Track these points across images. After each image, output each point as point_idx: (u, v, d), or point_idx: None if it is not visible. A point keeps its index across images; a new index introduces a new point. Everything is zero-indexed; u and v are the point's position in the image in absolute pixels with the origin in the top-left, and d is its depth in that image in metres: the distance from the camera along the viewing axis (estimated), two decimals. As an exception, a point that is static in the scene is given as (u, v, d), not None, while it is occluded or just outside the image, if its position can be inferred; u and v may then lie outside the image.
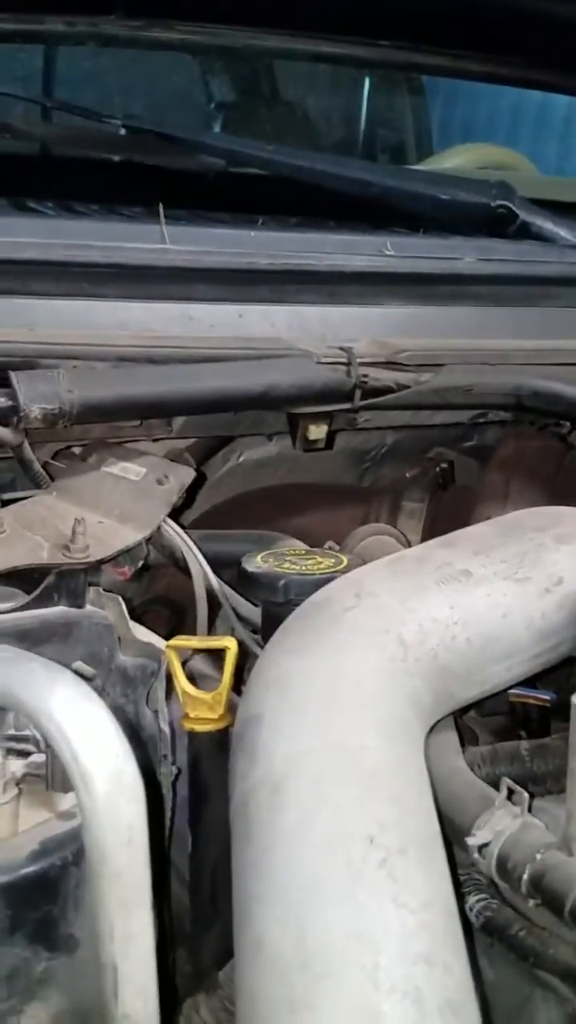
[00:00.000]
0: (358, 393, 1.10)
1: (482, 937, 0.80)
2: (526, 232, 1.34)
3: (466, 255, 1.24)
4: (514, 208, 1.33)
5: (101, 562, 0.93)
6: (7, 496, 1.02)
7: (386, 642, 0.77)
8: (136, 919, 0.64)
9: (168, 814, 0.91)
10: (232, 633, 1.09)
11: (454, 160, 2.43)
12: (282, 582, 0.94)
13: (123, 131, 1.51)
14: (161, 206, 1.11)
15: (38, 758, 0.79)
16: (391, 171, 1.35)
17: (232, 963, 0.89)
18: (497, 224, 1.32)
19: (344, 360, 1.11)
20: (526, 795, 0.80)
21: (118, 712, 0.90)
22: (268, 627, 0.97)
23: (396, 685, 0.76)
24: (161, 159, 1.39)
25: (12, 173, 1.24)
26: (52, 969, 0.73)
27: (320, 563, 0.97)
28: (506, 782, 0.81)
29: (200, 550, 1.11)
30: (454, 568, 0.84)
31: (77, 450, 1.12)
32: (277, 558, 0.99)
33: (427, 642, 0.79)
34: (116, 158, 1.39)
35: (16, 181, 1.25)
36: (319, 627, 0.78)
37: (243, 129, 2.24)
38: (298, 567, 0.96)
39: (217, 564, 1.13)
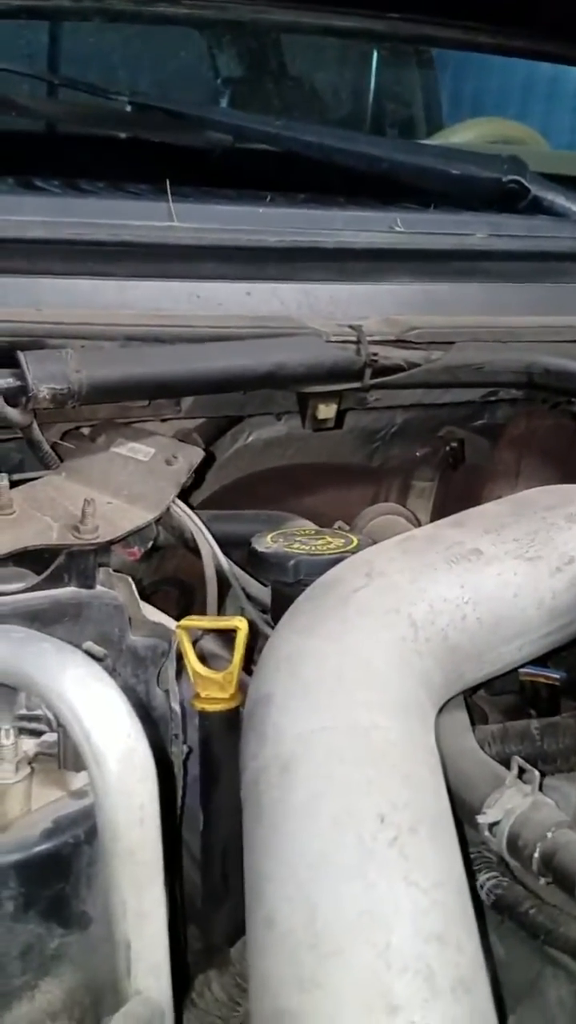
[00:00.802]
0: (368, 372, 1.09)
1: (492, 915, 0.80)
2: (538, 207, 1.32)
3: (477, 231, 1.23)
4: (525, 183, 1.31)
5: (111, 543, 0.93)
6: (16, 477, 1.01)
7: (396, 622, 0.77)
8: (149, 897, 0.64)
9: (179, 793, 0.92)
10: (242, 613, 1.09)
11: (464, 135, 2.40)
12: (292, 562, 0.94)
13: (129, 107, 1.50)
14: (168, 183, 1.10)
15: (50, 737, 0.80)
16: (401, 146, 1.33)
17: (243, 940, 0.90)
18: (508, 199, 1.31)
19: (354, 338, 1.10)
20: (537, 774, 0.80)
21: (129, 692, 0.91)
22: (278, 607, 0.97)
23: (406, 665, 0.75)
24: (167, 135, 1.37)
25: (17, 151, 1.23)
26: (65, 946, 0.73)
27: (330, 543, 0.97)
28: (517, 761, 0.81)
29: (209, 530, 1.11)
30: (465, 547, 0.84)
31: (85, 430, 1.11)
32: (287, 538, 0.99)
33: (437, 622, 0.79)
34: (122, 135, 1.37)
35: (21, 159, 1.24)
36: (329, 607, 0.78)
37: (250, 104, 2.21)
38: (308, 547, 0.96)
39: (226, 544, 1.13)
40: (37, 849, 0.72)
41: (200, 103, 1.92)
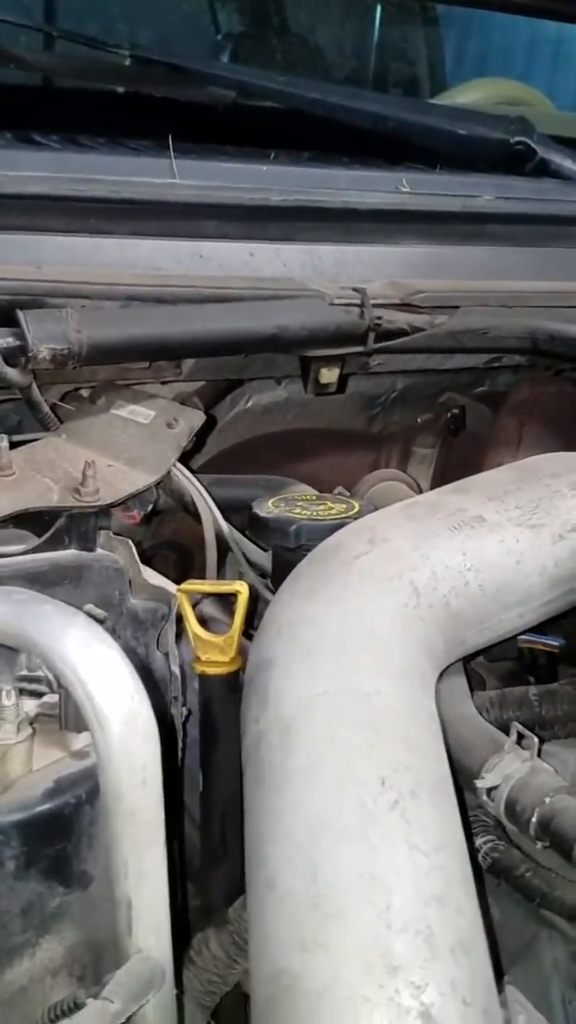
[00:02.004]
0: (371, 336, 1.08)
1: (489, 878, 0.81)
2: (544, 169, 1.30)
3: (484, 193, 1.21)
4: (533, 144, 1.29)
5: (111, 506, 0.93)
6: (16, 438, 1.01)
7: (399, 588, 0.77)
8: (150, 857, 0.64)
9: (180, 754, 0.92)
10: (241, 577, 1.09)
11: (468, 95, 2.36)
12: (293, 527, 0.93)
13: (129, 61, 1.47)
14: (171, 138, 1.08)
15: (51, 698, 0.80)
16: (407, 104, 1.31)
17: (242, 899, 0.91)
18: (515, 161, 1.29)
19: (357, 301, 1.09)
20: (536, 739, 0.80)
21: (129, 655, 0.91)
22: (279, 572, 0.97)
23: (408, 631, 0.75)
24: (168, 90, 1.34)
25: (15, 104, 1.20)
26: (66, 904, 0.74)
27: (331, 509, 0.97)
28: (516, 727, 0.81)
29: (209, 495, 1.10)
30: (468, 514, 0.83)
31: (85, 392, 1.10)
32: (288, 503, 0.98)
33: (440, 588, 0.79)
34: (122, 89, 1.34)
35: (19, 113, 1.21)
36: (331, 572, 0.78)
37: (251, 61, 2.17)
38: (309, 512, 0.95)
39: (226, 509, 1.13)
40: (39, 809, 0.72)
41: (201, 58, 1.88)
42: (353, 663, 0.71)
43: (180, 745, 0.92)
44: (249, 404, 1.41)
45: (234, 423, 1.40)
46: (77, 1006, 0.63)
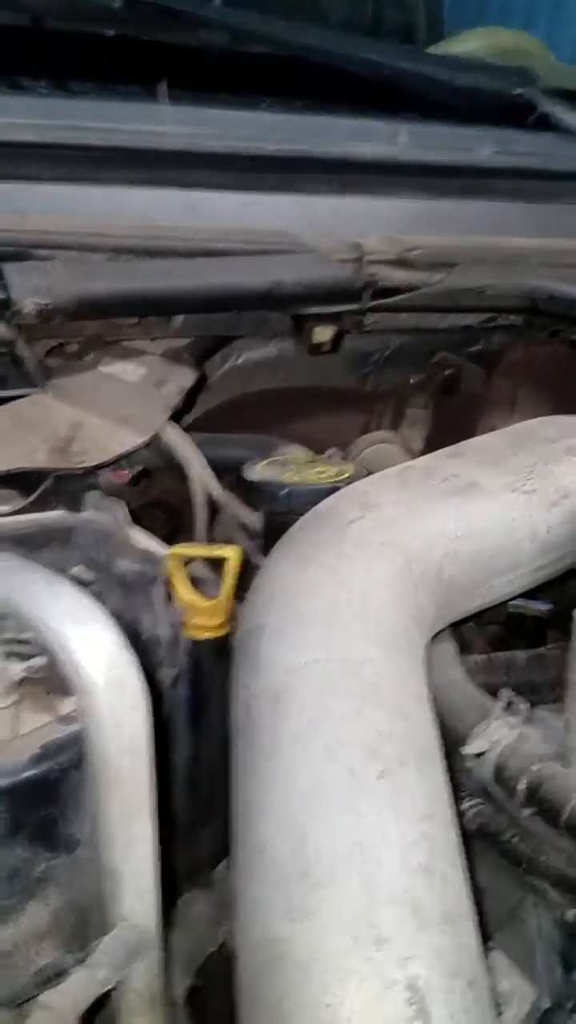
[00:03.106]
0: (367, 293, 1.06)
1: (475, 842, 0.81)
2: (545, 123, 1.27)
3: (483, 146, 1.18)
4: (534, 97, 1.25)
5: (100, 467, 0.91)
6: (1, 394, 0.98)
7: (392, 555, 0.76)
8: (138, 824, 0.64)
9: (167, 716, 0.91)
10: (231, 539, 1.08)
11: (466, 44, 2.29)
12: (284, 491, 0.92)
13: (119, 3, 1.41)
14: (164, 83, 1.04)
15: (38, 661, 0.79)
16: (406, 53, 1.27)
17: (227, 861, 0.91)
18: (516, 113, 1.25)
19: (353, 257, 1.06)
20: (524, 706, 0.80)
21: (118, 617, 0.90)
22: (269, 536, 0.96)
23: (400, 598, 0.75)
24: (160, 34, 1.30)
25: (1, 46, 1.16)
26: (52, 869, 0.73)
27: (323, 472, 0.95)
28: (505, 693, 0.81)
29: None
30: (462, 480, 0.82)
31: (73, 347, 1.08)
32: (280, 466, 0.97)
33: (432, 555, 0.78)
34: (112, 32, 1.29)
35: (5, 55, 1.17)
36: (324, 538, 0.77)
37: (246, 4, 2.10)
38: (301, 476, 0.94)
39: (216, 468, 1.11)
40: (25, 775, 0.71)
41: (195, 1, 1.81)
42: (344, 631, 0.70)
43: (167, 706, 0.92)
44: (240, 361, 1.38)
45: (225, 379, 1.38)
46: (63, 972, 0.62)
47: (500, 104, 1.25)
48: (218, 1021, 0.94)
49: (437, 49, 2.17)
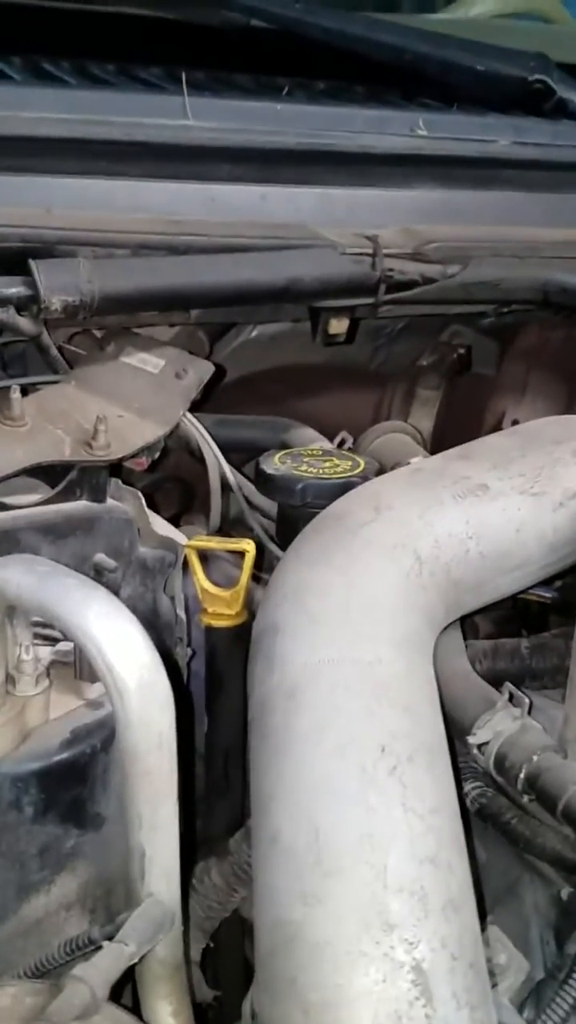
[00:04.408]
0: (382, 287, 1.08)
1: (476, 821, 0.86)
2: (563, 109, 1.27)
3: (501, 136, 1.18)
4: (551, 83, 1.26)
5: (122, 460, 0.94)
6: (25, 382, 1.01)
7: (402, 556, 0.79)
8: (163, 811, 0.69)
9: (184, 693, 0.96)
10: (243, 520, 1.11)
11: (483, 6, 2.26)
12: (299, 486, 0.95)
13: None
14: (184, 76, 1.05)
15: (64, 646, 0.83)
16: (425, 36, 1.25)
17: (242, 830, 0.97)
18: (533, 100, 1.25)
19: (369, 251, 1.08)
20: (527, 699, 0.84)
21: (137, 600, 0.95)
22: (284, 529, 0.99)
23: (410, 599, 0.78)
24: (180, 12, 1.29)
25: (21, 27, 1.16)
26: (80, 845, 0.79)
27: (337, 466, 0.98)
28: (508, 686, 0.85)
29: (213, 436, 1.12)
30: (472, 482, 0.85)
31: (96, 334, 1.10)
32: (295, 459, 1.00)
33: (442, 556, 0.81)
34: (130, 11, 1.29)
35: (26, 37, 1.17)
36: (337, 539, 0.80)
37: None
38: (316, 470, 0.97)
39: (229, 449, 1.14)
40: (56, 758, 0.76)
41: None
42: (356, 631, 0.74)
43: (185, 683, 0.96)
44: (254, 335, 1.40)
45: (238, 354, 1.40)
46: (93, 943, 0.68)
47: (517, 90, 1.25)
48: (229, 980, 1.01)
49: (453, 9, 2.14)
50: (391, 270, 1.07)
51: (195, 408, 1.10)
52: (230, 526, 1.15)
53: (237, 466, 1.16)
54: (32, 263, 0.92)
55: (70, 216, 0.97)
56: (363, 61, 1.25)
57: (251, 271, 1.01)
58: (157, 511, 1.01)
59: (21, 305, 0.93)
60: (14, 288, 0.92)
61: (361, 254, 1.07)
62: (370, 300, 1.09)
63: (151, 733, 0.65)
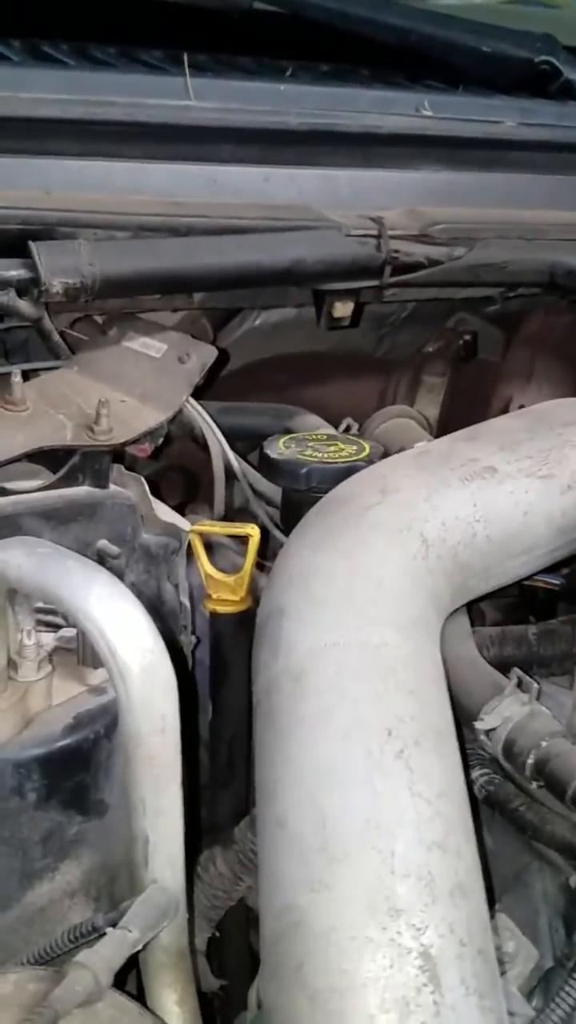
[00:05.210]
0: (388, 269, 1.06)
1: (484, 808, 0.85)
2: (569, 91, 1.26)
3: (507, 117, 1.17)
4: (558, 64, 1.24)
5: (125, 445, 0.93)
6: (27, 367, 1.00)
7: (408, 540, 0.78)
8: (167, 796, 0.68)
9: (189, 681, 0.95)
10: (247, 508, 1.10)
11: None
12: (304, 470, 0.94)
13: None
14: (185, 57, 1.03)
15: (68, 632, 0.83)
16: (430, 16, 1.24)
17: (247, 819, 0.96)
18: (540, 81, 1.24)
19: (374, 232, 1.06)
20: (535, 685, 0.83)
21: (141, 587, 0.94)
22: (288, 514, 0.98)
23: (416, 582, 0.77)
24: (182, -7, 1.28)
25: (21, 9, 1.15)
26: (84, 832, 0.78)
27: (342, 450, 0.97)
28: (516, 672, 0.84)
29: (217, 423, 1.11)
30: (479, 465, 0.84)
31: (98, 319, 1.09)
32: (299, 444, 0.99)
33: (449, 540, 0.80)
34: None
35: (26, 19, 1.16)
36: (343, 523, 0.79)
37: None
38: (320, 454, 0.96)
39: (233, 437, 1.13)
40: (59, 744, 0.75)
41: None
42: (362, 615, 0.73)
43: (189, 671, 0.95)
44: (258, 322, 1.38)
45: (242, 341, 1.39)
46: (96, 930, 0.67)
47: (524, 71, 1.23)
48: (235, 970, 1.00)
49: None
50: (396, 252, 1.06)
51: (198, 395, 1.09)
52: (234, 515, 1.14)
53: (242, 454, 1.15)
54: (32, 245, 0.91)
55: (70, 198, 0.96)
56: (368, 43, 1.24)
57: (254, 253, 1.00)
58: (161, 501, 1.00)
59: (22, 288, 0.92)
60: (14, 271, 0.91)
61: (366, 235, 1.06)
62: (375, 282, 1.07)
63: (154, 717, 0.64)
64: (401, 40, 1.21)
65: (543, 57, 1.22)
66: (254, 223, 1.03)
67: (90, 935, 0.68)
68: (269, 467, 0.98)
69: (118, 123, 1.00)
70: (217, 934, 0.97)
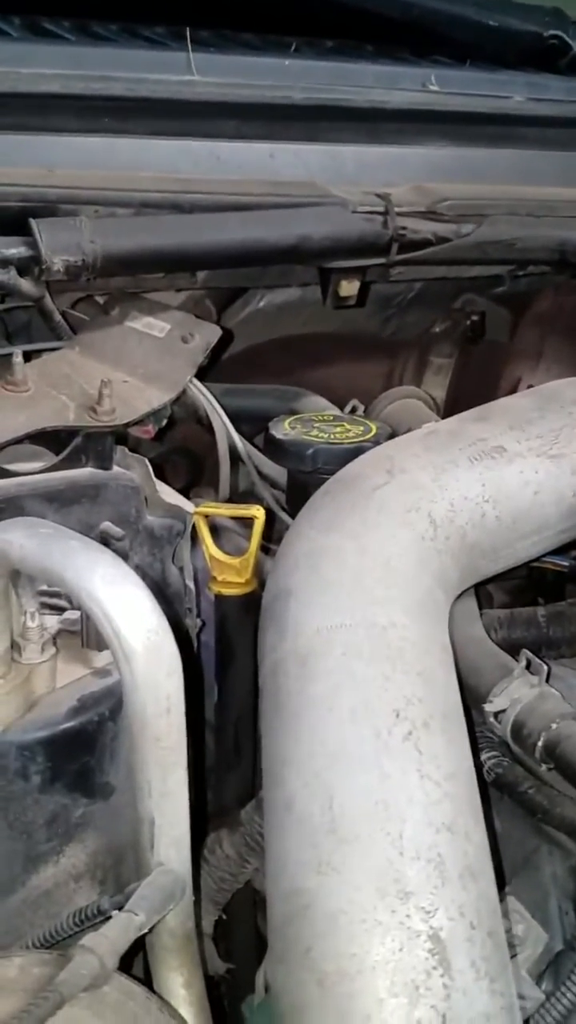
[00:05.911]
0: (395, 246, 1.05)
1: (493, 791, 0.84)
2: (578, 66, 1.24)
3: (515, 92, 1.15)
4: (567, 39, 1.22)
5: (128, 425, 0.92)
6: (29, 348, 0.99)
7: (416, 520, 0.77)
8: (173, 778, 0.67)
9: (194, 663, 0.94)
10: (253, 491, 1.09)
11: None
12: (310, 451, 0.93)
13: None
14: (188, 31, 1.02)
15: (72, 614, 0.81)
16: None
17: (253, 801, 0.95)
18: (548, 56, 1.22)
19: (381, 209, 1.05)
20: (545, 667, 0.82)
21: (146, 570, 0.93)
22: (294, 495, 0.97)
23: (424, 563, 0.76)
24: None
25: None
26: (89, 814, 0.77)
27: (348, 431, 0.96)
28: (525, 653, 0.83)
29: (222, 405, 1.09)
30: (488, 444, 0.83)
31: (99, 299, 1.08)
32: (305, 424, 0.98)
33: (457, 520, 0.79)
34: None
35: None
36: (350, 504, 0.78)
37: None
38: (326, 435, 0.95)
39: (239, 419, 1.12)
40: (63, 727, 0.75)
41: None
42: (370, 596, 0.72)
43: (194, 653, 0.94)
44: (262, 304, 1.37)
45: (247, 323, 1.37)
46: (102, 913, 0.66)
47: (532, 46, 1.21)
48: (242, 953, 1.00)
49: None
50: (404, 228, 1.04)
51: (202, 376, 1.08)
52: (240, 497, 1.13)
53: (247, 436, 1.14)
54: (33, 222, 0.89)
55: (72, 175, 0.95)
56: (373, 17, 1.22)
57: (259, 229, 0.99)
58: (166, 483, 0.99)
59: (22, 266, 0.91)
60: (15, 248, 0.90)
61: (372, 212, 1.04)
62: (382, 260, 1.06)
63: (159, 697, 0.63)
64: (407, 14, 1.19)
65: (552, 31, 1.20)
66: (259, 199, 1.01)
67: (96, 918, 0.67)
68: (275, 448, 0.97)
69: (120, 99, 0.99)
70: (224, 917, 0.96)
